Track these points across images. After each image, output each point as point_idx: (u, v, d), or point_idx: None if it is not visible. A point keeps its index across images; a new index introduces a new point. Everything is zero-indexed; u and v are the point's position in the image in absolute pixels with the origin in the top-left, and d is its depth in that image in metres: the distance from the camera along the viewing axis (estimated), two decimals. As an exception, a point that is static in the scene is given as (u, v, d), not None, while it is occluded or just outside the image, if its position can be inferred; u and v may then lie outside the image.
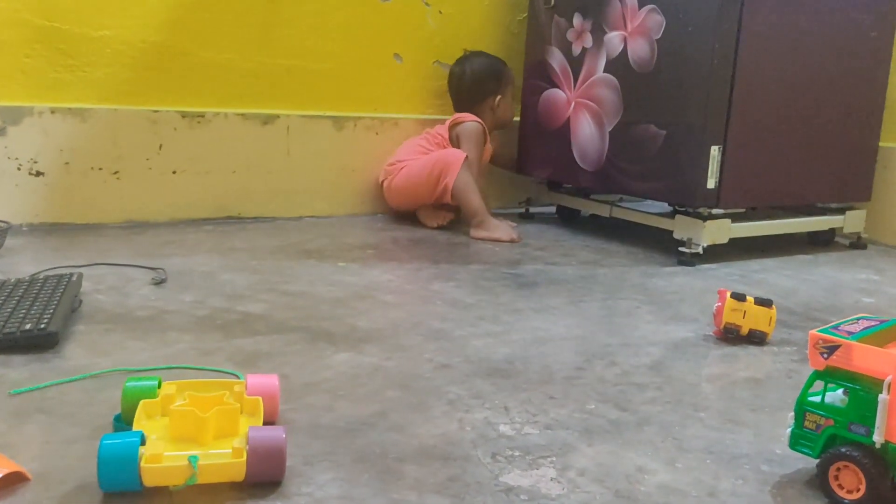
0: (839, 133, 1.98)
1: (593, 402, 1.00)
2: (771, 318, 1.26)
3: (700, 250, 1.79)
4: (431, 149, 2.11)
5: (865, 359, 0.74)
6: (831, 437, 0.77)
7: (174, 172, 1.92)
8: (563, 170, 2.11)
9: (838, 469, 0.76)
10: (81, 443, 0.82)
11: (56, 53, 1.77)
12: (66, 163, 1.80)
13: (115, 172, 1.86)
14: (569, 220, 2.29)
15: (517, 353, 1.16)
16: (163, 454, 0.72)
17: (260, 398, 0.84)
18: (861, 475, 0.74)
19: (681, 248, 1.81)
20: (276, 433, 0.76)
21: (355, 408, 0.94)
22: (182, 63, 1.90)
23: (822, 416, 0.78)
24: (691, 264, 1.80)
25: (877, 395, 0.73)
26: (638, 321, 1.36)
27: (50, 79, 1.77)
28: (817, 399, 0.78)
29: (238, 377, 1.00)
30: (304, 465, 0.80)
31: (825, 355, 0.77)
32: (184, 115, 1.91)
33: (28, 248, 1.62)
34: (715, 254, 1.83)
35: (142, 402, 0.81)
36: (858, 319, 0.82)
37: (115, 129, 1.84)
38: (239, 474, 0.74)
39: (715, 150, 1.76)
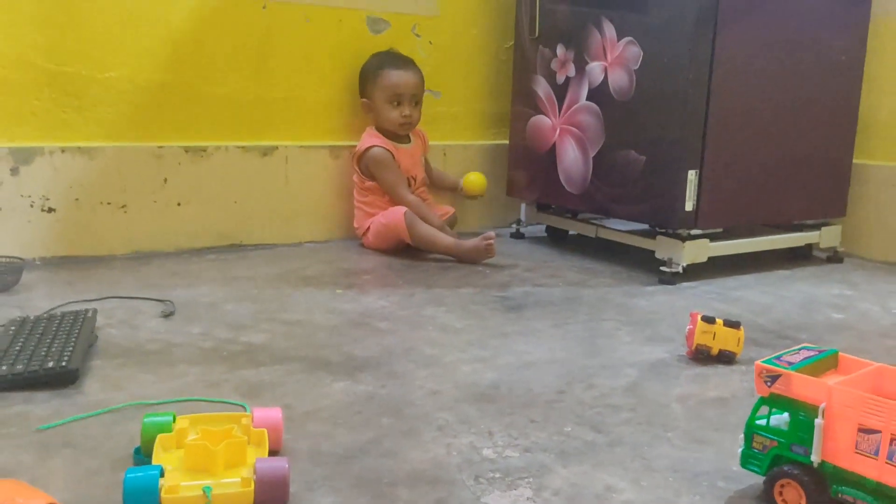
0: (814, 152, 2.07)
1: (570, 425, 1.09)
2: (739, 338, 1.36)
3: (680, 269, 1.88)
4: (361, 197, 2.16)
5: (803, 387, 0.84)
6: (776, 457, 0.86)
7: (179, 204, 2.02)
8: (550, 192, 2.21)
9: (782, 486, 0.85)
10: (104, 474, 0.91)
11: (64, 95, 1.86)
12: (76, 199, 1.89)
13: (123, 206, 1.95)
14: (558, 239, 2.38)
15: (503, 377, 1.26)
16: (180, 485, 0.82)
17: (265, 430, 0.93)
18: (801, 491, 0.83)
19: (662, 268, 1.91)
20: (280, 463, 0.85)
21: (352, 435, 1.03)
22: (184, 100, 2.00)
23: (767, 438, 0.87)
24: (672, 283, 1.89)
25: (813, 420, 0.82)
26: (617, 342, 1.45)
27: (59, 120, 1.87)
28: (763, 422, 0.88)
29: (244, 408, 1.09)
30: (306, 490, 0.89)
31: (769, 383, 0.86)
32: (187, 149, 2.01)
33: (42, 282, 1.71)
34: (695, 271, 1.92)
35: (159, 437, 0.90)
36: (800, 349, 0.91)
37: (121, 165, 1.93)
38: (248, 502, 0.83)
39: (692, 175, 1.85)
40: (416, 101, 2.19)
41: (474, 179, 2.32)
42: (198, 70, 2.01)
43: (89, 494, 0.87)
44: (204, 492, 0.81)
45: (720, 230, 1.95)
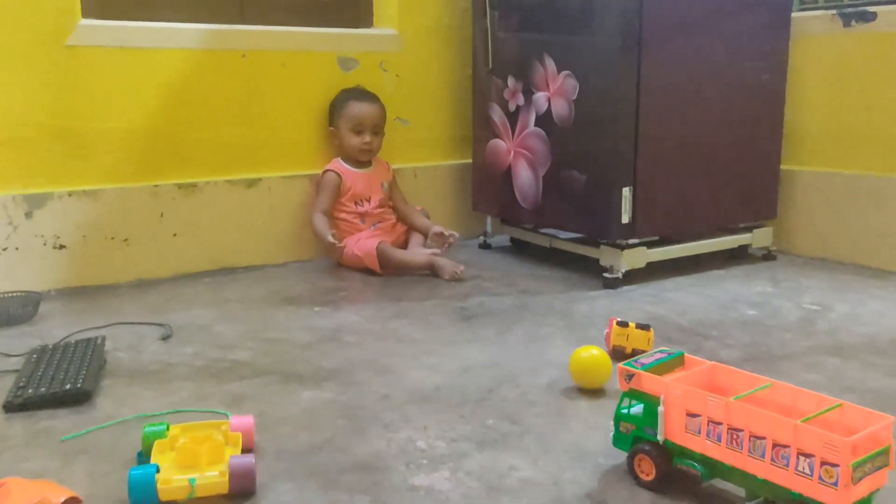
0: (742, 163, 2.30)
1: (492, 419, 1.33)
2: (649, 338, 1.60)
3: (620, 275, 2.12)
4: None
5: (649, 383, 1.08)
6: (635, 438, 1.10)
7: (174, 235, 2.27)
8: (508, 209, 2.45)
9: (639, 459, 1.09)
10: (115, 473, 1.16)
11: (70, 146, 2.11)
12: (84, 236, 2.14)
13: (125, 240, 2.20)
14: (520, 248, 2.62)
15: (445, 381, 1.50)
16: (172, 478, 1.06)
17: (240, 433, 1.18)
18: (652, 463, 1.08)
19: (605, 274, 2.14)
20: (249, 460, 1.10)
21: (312, 436, 1.28)
22: (175, 144, 2.25)
23: (628, 423, 1.11)
24: (615, 287, 2.12)
25: (657, 408, 1.06)
26: (549, 346, 1.69)
27: (66, 167, 2.12)
28: (626, 411, 1.12)
29: (226, 416, 1.34)
30: (270, 480, 1.13)
31: (627, 381, 1.10)
32: (180, 186, 2.26)
33: (57, 312, 1.96)
34: (637, 275, 2.16)
35: (156, 442, 1.15)
36: (655, 353, 1.15)
37: (122, 204, 2.18)
38: (224, 490, 1.08)
39: (626, 191, 2.08)
40: (376, 131, 2.43)
41: (595, 378, 1.46)
42: (186, 117, 2.26)
43: (103, 490, 1.12)
44: (189, 483, 1.06)
45: (656, 238, 2.19)
